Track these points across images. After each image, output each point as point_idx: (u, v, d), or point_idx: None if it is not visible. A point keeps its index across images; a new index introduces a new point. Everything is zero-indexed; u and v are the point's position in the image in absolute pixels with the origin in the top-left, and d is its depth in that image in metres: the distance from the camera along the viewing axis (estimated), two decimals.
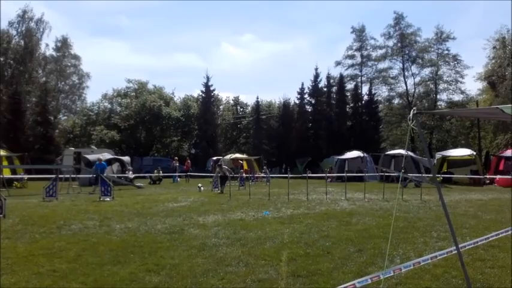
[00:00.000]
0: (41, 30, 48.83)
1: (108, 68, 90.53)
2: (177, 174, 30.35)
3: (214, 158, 36.10)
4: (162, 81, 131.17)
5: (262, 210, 12.99)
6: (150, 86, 52.79)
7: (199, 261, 6.82)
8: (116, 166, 28.13)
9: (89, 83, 55.05)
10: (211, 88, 46.99)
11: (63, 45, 51.67)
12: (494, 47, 52.64)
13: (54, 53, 51.49)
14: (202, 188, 21.57)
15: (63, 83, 53.16)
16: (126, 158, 29.16)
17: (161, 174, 28.89)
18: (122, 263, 6.69)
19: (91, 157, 25.55)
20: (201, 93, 47.52)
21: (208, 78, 46.59)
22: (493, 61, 52.97)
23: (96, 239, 8.57)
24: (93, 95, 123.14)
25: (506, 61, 51.70)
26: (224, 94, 78.94)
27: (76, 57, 53.24)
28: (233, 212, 12.82)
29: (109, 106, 51.79)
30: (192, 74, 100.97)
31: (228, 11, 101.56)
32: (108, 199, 16.77)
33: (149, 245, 8.03)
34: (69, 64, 53.01)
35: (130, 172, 27.13)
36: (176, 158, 33.70)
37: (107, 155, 27.09)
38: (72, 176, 23.67)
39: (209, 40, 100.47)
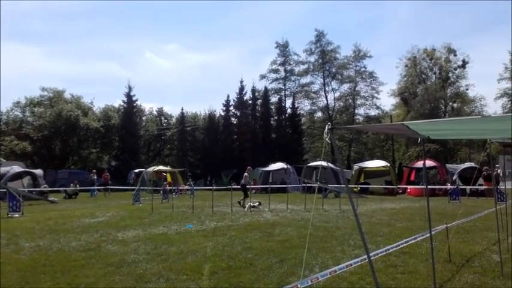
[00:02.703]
0: None
1: (20, 74, 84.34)
2: (95, 187, 28.86)
3: (136, 171, 34.91)
4: (80, 90, 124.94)
5: (185, 224, 12.73)
6: (67, 95, 49.87)
7: (117, 279, 6.51)
8: (26, 180, 26.13)
9: None
10: (134, 98, 45.70)
11: None
12: (406, 66, 57.04)
13: None
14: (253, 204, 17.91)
15: None
16: (39, 171, 27.19)
17: (78, 188, 27.29)
18: (31, 284, 6.20)
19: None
20: (122, 104, 45.96)
21: (130, 88, 45.29)
22: (405, 78, 57.34)
23: (2, 259, 7.85)
24: (3, 103, 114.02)
25: (417, 79, 56.18)
26: (147, 105, 76.86)
27: None
28: (155, 226, 12.41)
29: (20, 115, 48.13)
30: (113, 83, 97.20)
31: (152, 20, 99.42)
32: (17, 215, 15.49)
33: (62, 263, 7.52)
34: None
35: (44, 186, 25.31)
36: (94, 170, 32.05)
37: (16, 168, 25.06)
38: None
39: (132, 48, 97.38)
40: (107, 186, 29.54)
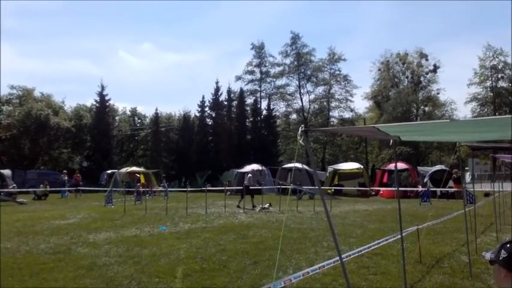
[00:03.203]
0: None
1: None
2: (66, 188, 28.18)
3: (109, 172, 34.29)
4: (50, 89, 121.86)
5: (158, 226, 12.56)
6: (36, 93, 48.55)
7: (87, 282, 6.38)
8: None
9: None
10: (107, 98, 44.82)
11: None
12: (379, 69, 58.12)
13: None
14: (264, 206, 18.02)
15: None
16: (7, 171, 26.34)
17: (48, 189, 26.59)
18: None
19: None
20: (95, 103, 45.04)
21: (103, 87, 44.36)
22: (379, 82, 58.43)
23: None
24: None
25: (390, 82, 57.30)
26: (121, 104, 75.93)
27: None
28: (127, 228, 12.20)
29: None
30: (85, 82, 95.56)
31: (126, 19, 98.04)
32: None
33: (30, 266, 7.31)
34: None
35: (12, 186, 24.54)
36: (65, 171, 31.29)
37: None
38: None
39: (105, 47, 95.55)
40: (78, 187, 28.91)
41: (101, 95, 44.24)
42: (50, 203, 23.36)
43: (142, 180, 31.74)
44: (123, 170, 31.73)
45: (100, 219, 14.55)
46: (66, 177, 29.24)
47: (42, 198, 25.78)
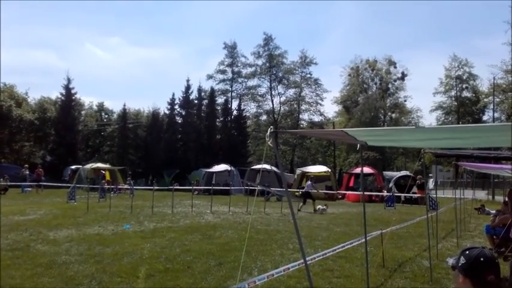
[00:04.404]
0: None
1: None
2: (27, 183, 27.24)
3: (73, 167, 33.40)
4: (13, 79, 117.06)
5: (122, 224, 12.30)
6: None
7: (45, 281, 6.18)
8: None
9: None
10: (73, 91, 43.64)
11: None
12: (349, 75, 59.13)
13: None
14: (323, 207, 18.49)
15: None
16: None
17: (8, 183, 25.61)
18: None
19: None
20: (60, 96, 43.78)
21: (69, 80, 43.19)
22: (348, 87, 59.44)
23: None
24: None
25: (359, 88, 58.41)
26: (87, 99, 74.06)
27: None
28: (89, 226, 11.89)
29: None
30: (50, 74, 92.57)
31: (93, 10, 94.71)
32: None
33: None
34: None
35: None
36: (26, 165, 30.24)
37: None
38: None
39: (71, 39, 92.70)
40: (40, 183, 28.00)
41: (67, 88, 43.06)
42: (10, 198, 22.47)
43: (108, 177, 31.03)
44: (88, 166, 31.01)
45: (62, 216, 14.12)
46: (28, 172, 28.27)
47: (2, 192, 24.76)
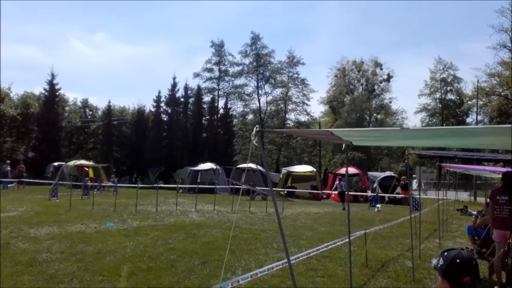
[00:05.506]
0: None
1: None
2: (8, 180, 26.75)
3: (56, 164, 32.91)
4: None
5: (105, 222, 12.16)
6: None
7: (25, 279, 6.07)
8: None
9: None
10: (57, 87, 42.95)
11: None
12: (336, 75, 59.53)
13: None
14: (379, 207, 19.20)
15: None
16: None
17: None
18: None
19: None
20: (43, 91, 43.05)
21: (53, 76, 42.48)
22: (335, 88, 59.84)
23: None
24: None
25: (346, 89, 58.84)
26: (71, 95, 73.04)
27: None
28: (72, 223, 11.72)
29: None
30: (33, 69, 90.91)
31: (78, 5, 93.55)
32: None
33: None
34: None
35: None
36: (8, 161, 29.70)
37: None
38: None
39: (55, 34, 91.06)
40: (22, 179, 27.52)
41: (51, 83, 42.34)
42: None
43: (91, 174, 30.70)
44: (71, 162, 30.60)
45: (43, 213, 13.90)
46: (9, 168, 27.77)
47: None
